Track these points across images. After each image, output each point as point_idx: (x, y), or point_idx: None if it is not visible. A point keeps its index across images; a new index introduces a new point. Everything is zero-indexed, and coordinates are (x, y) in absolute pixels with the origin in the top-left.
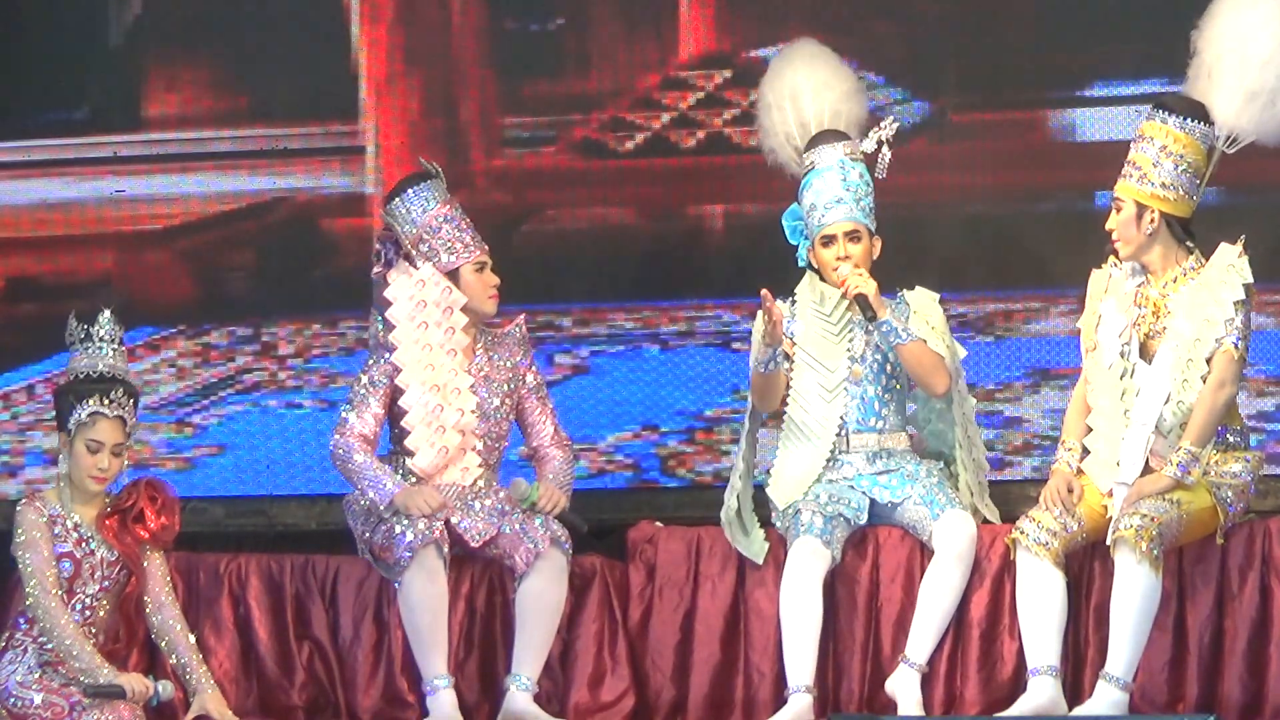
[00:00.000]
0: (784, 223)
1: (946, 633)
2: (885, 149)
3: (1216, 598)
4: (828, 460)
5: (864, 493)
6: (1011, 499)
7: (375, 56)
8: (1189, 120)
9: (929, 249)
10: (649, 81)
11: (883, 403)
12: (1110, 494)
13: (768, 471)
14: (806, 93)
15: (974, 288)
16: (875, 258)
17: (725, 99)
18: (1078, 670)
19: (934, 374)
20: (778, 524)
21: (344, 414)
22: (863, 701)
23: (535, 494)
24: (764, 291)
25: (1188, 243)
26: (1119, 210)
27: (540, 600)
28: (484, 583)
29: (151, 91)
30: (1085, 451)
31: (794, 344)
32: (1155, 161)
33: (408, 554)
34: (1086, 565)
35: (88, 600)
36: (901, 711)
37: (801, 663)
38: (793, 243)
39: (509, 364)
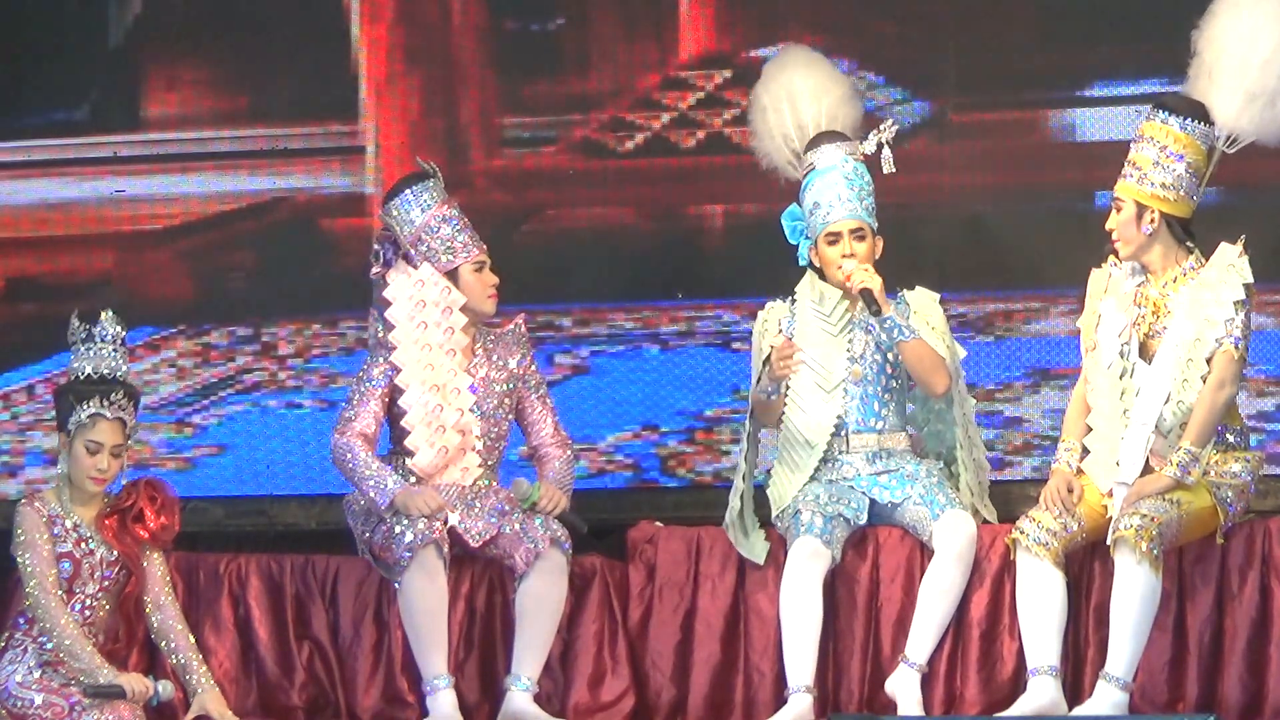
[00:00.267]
0: (784, 222)
1: (946, 633)
2: (886, 150)
3: (1216, 598)
4: (824, 460)
5: (864, 493)
6: (1011, 499)
7: (375, 56)
8: (1189, 120)
9: (929, 249)
10: (649, 81)
11: (882, 403)
12: (1110, 494)
13: (768, 472)
14: (804, 95)
15: (974, 288)
16: (877, 257)
17: (725, 99)
18: (1078, 670)
19: (935, 373)
20: (778, 524)
21: (344, 414)
22: (863, 701)
23: (536, 494)
24: (788, 340)
25: (1188, 243)
26: (1119, 210)
27: (540, 600)
28: (484, 583)
29: (151, 91)
30: (1085, 451)
31: (793, 344)
32: (1155, 161)
33: (408, 554)
34: (1086, 565)
35: (87, 600)
36: (901, 711)
37: (801, 663)
38: (792, 242)
39: (508, 364)
